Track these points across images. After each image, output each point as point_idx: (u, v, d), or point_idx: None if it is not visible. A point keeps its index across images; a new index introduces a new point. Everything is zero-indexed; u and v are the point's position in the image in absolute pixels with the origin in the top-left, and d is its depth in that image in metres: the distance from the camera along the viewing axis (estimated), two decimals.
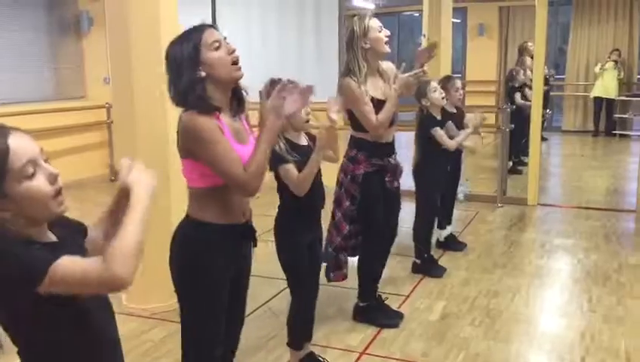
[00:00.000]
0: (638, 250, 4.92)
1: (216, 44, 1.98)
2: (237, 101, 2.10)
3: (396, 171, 3.44)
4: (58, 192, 1.36)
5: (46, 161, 1.36)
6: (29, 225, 1.35)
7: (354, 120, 3.36)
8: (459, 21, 12.29)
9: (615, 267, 4.46)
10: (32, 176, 1.32)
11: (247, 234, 2.17)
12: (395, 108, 3.32)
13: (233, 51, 2.01)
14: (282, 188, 2.77)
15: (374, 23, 3.26)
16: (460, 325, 3.53)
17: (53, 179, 1.35)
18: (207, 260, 2.08)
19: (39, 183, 1.33)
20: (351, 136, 3.43)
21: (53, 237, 1.42)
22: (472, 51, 12.75)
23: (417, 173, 4.32)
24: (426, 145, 4.27)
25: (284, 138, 2.72)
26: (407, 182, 4.28)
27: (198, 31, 2.00)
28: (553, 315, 3.78)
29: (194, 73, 1.96)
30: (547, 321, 3.68)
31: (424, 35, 8.16)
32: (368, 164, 3.32)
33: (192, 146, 1.98)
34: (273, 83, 2.73)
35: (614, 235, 5.29)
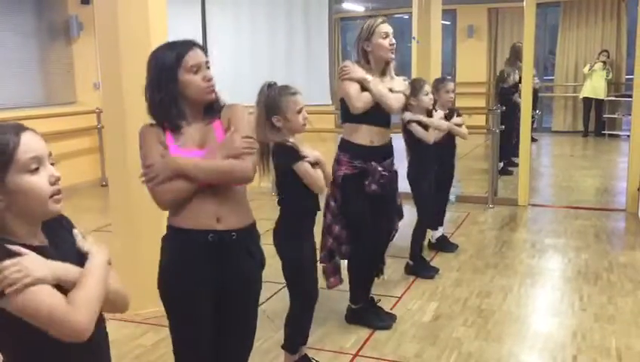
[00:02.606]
0: (628, 248, 4.95)
1: (195, 69, 2.04)
2: (209, 108, 2.12)
3: (375, 175, 3.32)
4: (56, 193, 1.39)
5: (52, 164, 1.41)
6: (20, 220, 1.37)
7: (342, 109, 3.40)
8: (448, 23, 12.36)
9: (605, 266, 4.49)
10: (34, 172, 1.36)
11: (224, 245, 2.04)
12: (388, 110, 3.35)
13: (209, 79, 2.06)
14: (286, 189, 2.77)
15: (381, 29, 3.29)
16: (452, 325, 3.54)
17: (54, 180, 1.39)
18: (171, 265, 2.07)
19: (39, 180, 1.37)
20: (341, 138, 3.45)
21: (43, 240, 1.42)
22: (462, 53, 12.82)
23: (410, 175, 4.32)
24: (414, 147, 4.28)
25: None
26: (402, 184, 4.31)
27: (182, 47, 2.05)
28: (545, 314, 3.80)
29: (170, 89, 2.02)
30: (539, 320, 3.70)
31: (414, 38, 8.20)
32: (349, 166, 3.33)
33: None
34: (270, 87, 2.74)
35: (604, 234, 5.33)
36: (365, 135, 3.33)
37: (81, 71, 7.83)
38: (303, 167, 2.69)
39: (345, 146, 3.37)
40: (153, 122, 2.08)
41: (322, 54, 7.20)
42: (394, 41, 3.33)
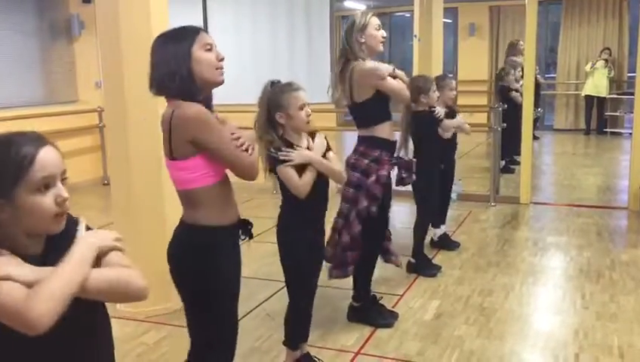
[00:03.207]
0: (630, 246, 4.95)
1: (208, 47, 2.07)
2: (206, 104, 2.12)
3: (411, 166, 3.55)
4: (60, 214, 1.37)
5: (64, 180, 1.38)
6: (20, 232, 1.35)
7: (372, 110, 3.35)
8: (450, 21, 12.35)
9: (608, 264, 4.49)
10: (43, 192, 1.34)
11: (245, 229, 2.23)
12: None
13: (222, 59, 2.09)
14: (284, 186, 2.76)
15: (374, 21, 3.34)
16: (454, 324, 3.54)
17: (61, 201, 1.36)
18: (222, 264, 2.13)
19: (46, 201, 1.34)
20: (367, 136, 3.38)
21: (38, 249, 1.40)
22: (463, 51, 12.81)
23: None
24: (420, 143, 4.29)
25: (282, 139, 2.71)
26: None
27: (194, 30, 2.09)
28: (547, 313, 3.80)
29: (188, 69, 2.02)
30: (541, 319, 3.70)
31: (416, 36, 8.20)
32: (390, 164, 3.38)
33: (198, 135, 1.99)
34: (273, 85, 2.73)
35: (606, 232, 5.32)
36: (389, 130, 3.39)
37: (83, 70, 7.84)
38: (283, 172, 2.67)
39: (381, 144, 3.35)
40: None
41: (324, 53, 7.21)
42: (385, 33, 3.40)
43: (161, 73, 2.04)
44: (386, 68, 3.30)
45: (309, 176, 2.68)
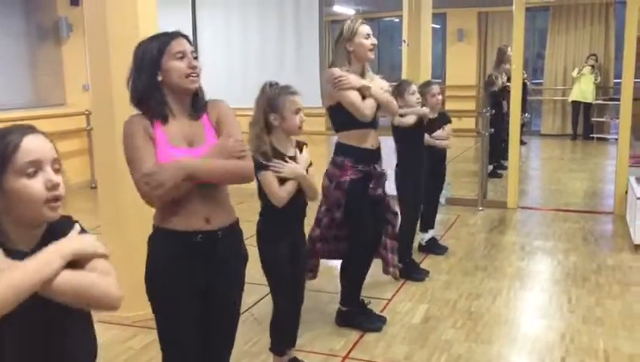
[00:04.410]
0: (616, 251, 4.99)
1: (179, 55, 2.04)
2: (196, 104, 2.11)
3: (381, 179, 3.45)
4: (53, 199, 1.37)
5: (56, 170, 1.39)
6: (14, 224, 1.36)
7: (337, 117, 3.37)
8: (438, 27, 12.41)
9: (594, 268, 4.52)
10: (31, 176, 1.35)
11: (211, 244, 2.05)
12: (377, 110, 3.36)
13: (193, 67, 2.06)
14: (263, 193, 2.76)
15: (363, 30, 3.31)
16: (442, 328, 3.55)
17: (51, 185, 1.37)
18: (160, 268, 2.07)
19: (34, 185, 1.35)
20: (338, 142, 3.42)
21: (30, 245, 1.39)
22: (452, 56, 12.88)
23: (397, 175, 4.33)
24: (403, 146, 4.30)
25: (270, 145, 2.71)
26: (390, 187, 4.32)
27: (167, 37, 2.07)
28: (533, 316, 3.82)
29: (152, 76, 2.02)
30: (528, 322, 3.72)
31: (404, 41, 8.23)
32: (354, 170, 3.33)
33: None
34: (271, 86, 2.73)
35: (592, 237, 5.37)
36: (358, 138, 3.35)
37: (71, 72, 7.79)
38: (262, 177, 2.67)
39: (347, 151, 3.34)
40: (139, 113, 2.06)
41: (313, 57, 7.20)
42: (375, 41, 3.37)
43: (133, 89, 2.07)
44: (354, 80, 3.26)
45: (290, 188, 2.69)
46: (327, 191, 3.37)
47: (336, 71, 3.28)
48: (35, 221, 1.40)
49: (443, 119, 4.74)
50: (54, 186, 1.37)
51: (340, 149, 3.38)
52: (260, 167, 2.64)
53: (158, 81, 2.03)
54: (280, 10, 7.43)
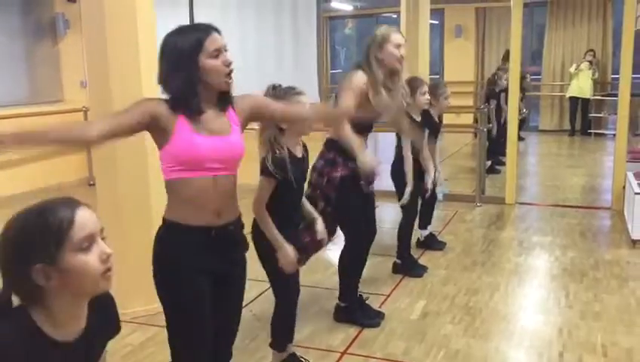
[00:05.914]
0: (614, 246, 5.00)
1: (216, 53, 2.01)
2: (223, 98, 2.09)
3: (369, 176, 3.42)
4: (107, 271, 1.39)
5: (103, 238, 1.40)
6: (69, 299, 1.37)
7: None
8: (436, 23, 12.41)
9: (591, 263, 4.53)
10: (86, 251, 1.35)
11: (224, 238, 2.08)
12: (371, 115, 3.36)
13: (229, 64, 2.04)
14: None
15: (395, 39, 3.33)
16: (440, 323, 3.56)
17: (105, 258, 1.38)
18: (174, 264, 2.06)
19: (91, 259, 1.36)
20: (328, 138, 3.43)
21: (73, 334, 1.41)
22: (450, 52, 12.88)
23: (394, 172, 4.33)
24: (401, 143, 4.30)
25: (287, 150, 2.68)
26: (388, 182, 4.33)
27: (203, 32, 2.02)
28: (531, 312, 3.83)
29: (191, 74, 1.98)
30: (526, 318, 3.73)
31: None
32: (346, 167, 3.34)
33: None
34: (275, 88, 2.72)
35: (590, 232, 5.38)
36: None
37: (68, 69, 7.78)
38: (262, 182, 2.66)
39: (338, 147, 3.35)
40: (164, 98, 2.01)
41: (311, 53, 7.21)
42: (404, 52, 3.36)
43: (168, 83, 2.01)
44: (358, 86, 3.27)
45: (268, 228, 2.67)
46: (317, 186, 3.36)
47: (359, 77, 3.29)
48: (90, 295, 1.41)
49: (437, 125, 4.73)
50: (108, 257, 1.39)
51: (331, 145, 3.39)
52: (267, 173, 2.63)
53: (196, 79, 1.99)
54: (278, 6, 7.44)
